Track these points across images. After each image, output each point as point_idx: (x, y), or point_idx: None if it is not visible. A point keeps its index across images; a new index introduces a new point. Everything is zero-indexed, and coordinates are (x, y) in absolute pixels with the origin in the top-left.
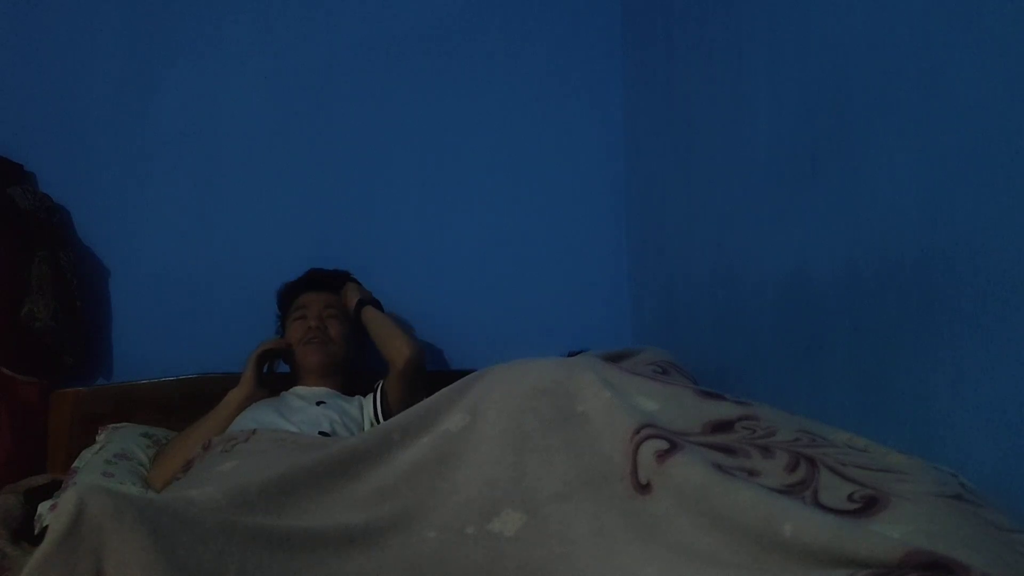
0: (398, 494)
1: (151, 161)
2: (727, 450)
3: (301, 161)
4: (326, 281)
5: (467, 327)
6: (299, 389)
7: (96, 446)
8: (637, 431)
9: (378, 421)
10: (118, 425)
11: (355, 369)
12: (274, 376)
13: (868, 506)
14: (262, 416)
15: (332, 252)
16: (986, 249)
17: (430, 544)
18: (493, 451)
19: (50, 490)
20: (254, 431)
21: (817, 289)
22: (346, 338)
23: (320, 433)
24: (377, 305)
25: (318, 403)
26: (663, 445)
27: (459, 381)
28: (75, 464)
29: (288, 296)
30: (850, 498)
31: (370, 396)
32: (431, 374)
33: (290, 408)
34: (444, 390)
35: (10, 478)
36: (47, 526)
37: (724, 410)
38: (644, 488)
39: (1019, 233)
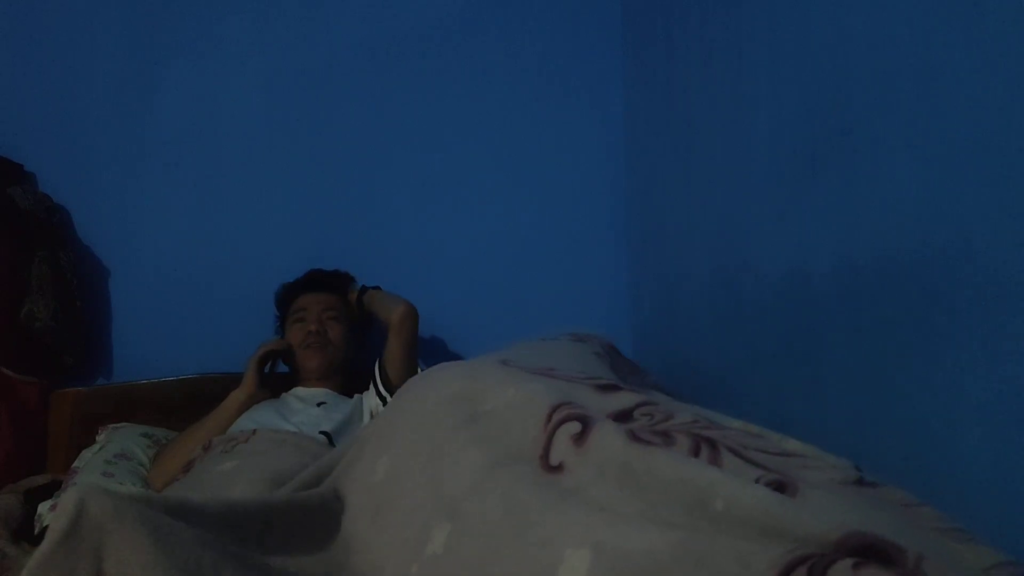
0: (347, 564)
1: (151, 161)
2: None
3: (301, 161)
4: (325, 282)
5: (467, 327)
6: (299, 390)
7: (96, 446)
8: (551, 414)
9: (377, 386)
10: (118, 425)
11: (355, 370)
12: (274, 376)
13: (778, 492)
14: (262, 417)
15: (332, 252)
16: (986, 249)
17: None
18: (412, 479)
19: (50, 490)
20: (254, 431)
21: (817, 288)
22: (346, 340)
23: (321, 433)
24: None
25: (318, 404)
26: (577, 428)
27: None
28: (75, 464)
29: (287, 297)
30: (757, 483)
31: (370, 385)
32: None
33: (290, 409)
34: (364, 432)
35: (10, 478)
36: (47, 526)
37: (622, 400)
38: (555, 469)
39: (1019, 233)
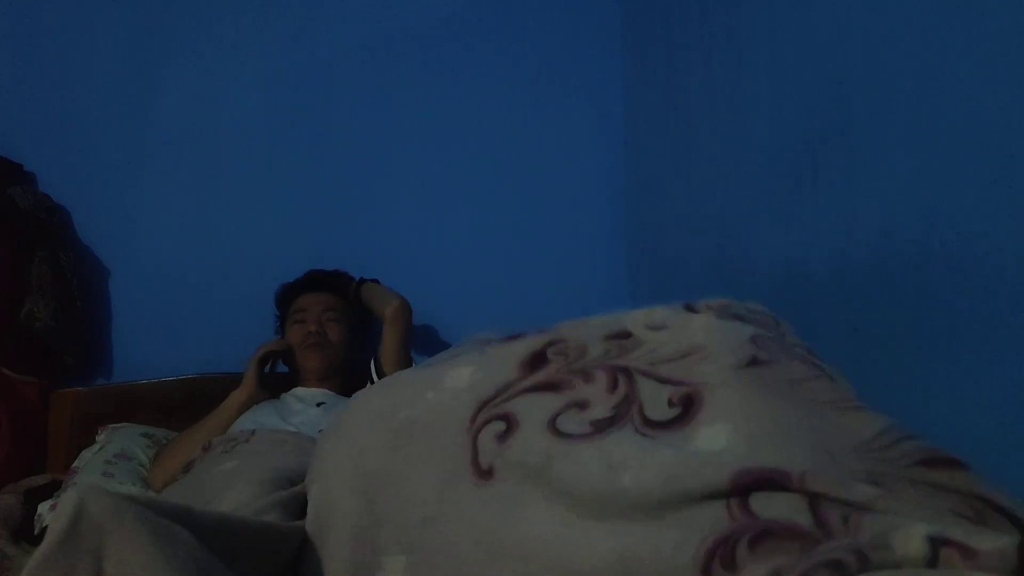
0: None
1: (151, 161)
2: (552, 387)
3: (301, 161)
4: (325, 282)
5: (467, 325)
6: (299, 391)
7: (96, 446)
8: (474, 417)
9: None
10: (118, 425)
11: (354, 370)
12: (275, 377)
13: (687, 408)
14: (262, 418)
15: (332, 252)
16: (984, 248)
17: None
18: (348, 505)
19: (50, 490)
20: (254, 432)
21: (815, 288)
22: (346, 341)
23: (320, 432)
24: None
25: (318, 404)
26: (500, 427)
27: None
28: (75, 464)
29: (287, 297)
30: (670, 403)
31: (367, 384)
32: None
33: (290, 410)
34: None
35: (10, 478)
36: (47, 526)
37: (530, 343)
38: (487, 474)
39: (1018, 232)
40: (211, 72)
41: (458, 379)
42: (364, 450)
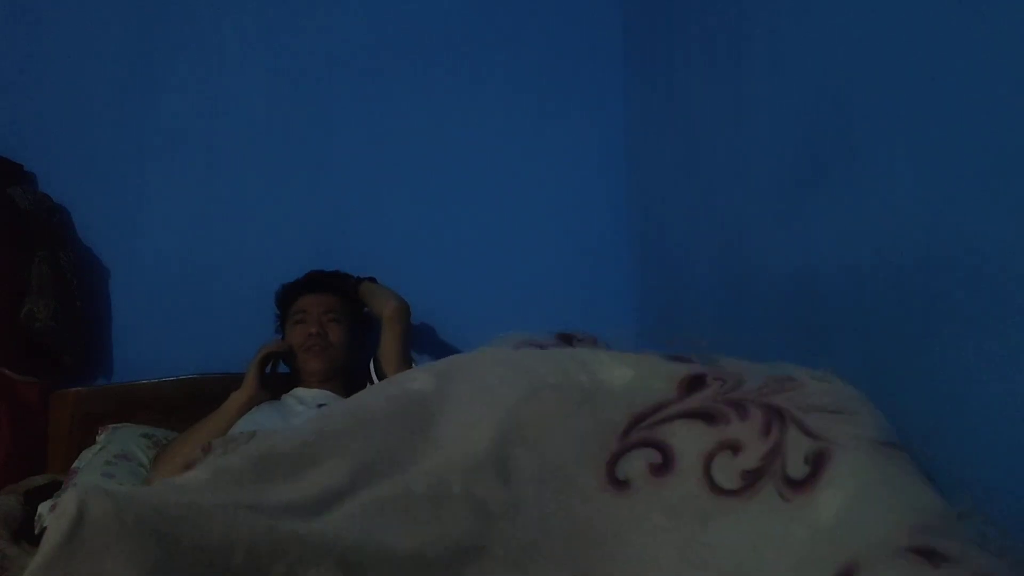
0: (377, 440)
1: (151, 161)
2: (707, 416)
3: (301, 161)
4: (326, 283)
5: (471, 328)
6: (299, 392)
7: (96, 446)
8: (627, 431)
9: (374, 384)
10: (118, 425)
11: (355, 371)
12: (275, 377)
13: (817, 466)
14: (263, 419)
15: (332, 252)
16: (989, 251)
17: (420, 500)
18: (469, 415)
19: (50, 490)
20: (254, 434)
21: (821, 291)
22: (347, 342)
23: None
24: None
25: (319, 406)
26: (656, 457)
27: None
28: (75, 464)
29: (288, 298)
30: (805, 460)
31: (367, 385)
32: None
33: (291, 411)
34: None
35: (10, 478)
36: (47, 526)
37: (694, 368)
38: (621, 485)
39: (1021, 235)
40: (211, 72)
41: (615, 377)
42: (508, 403)
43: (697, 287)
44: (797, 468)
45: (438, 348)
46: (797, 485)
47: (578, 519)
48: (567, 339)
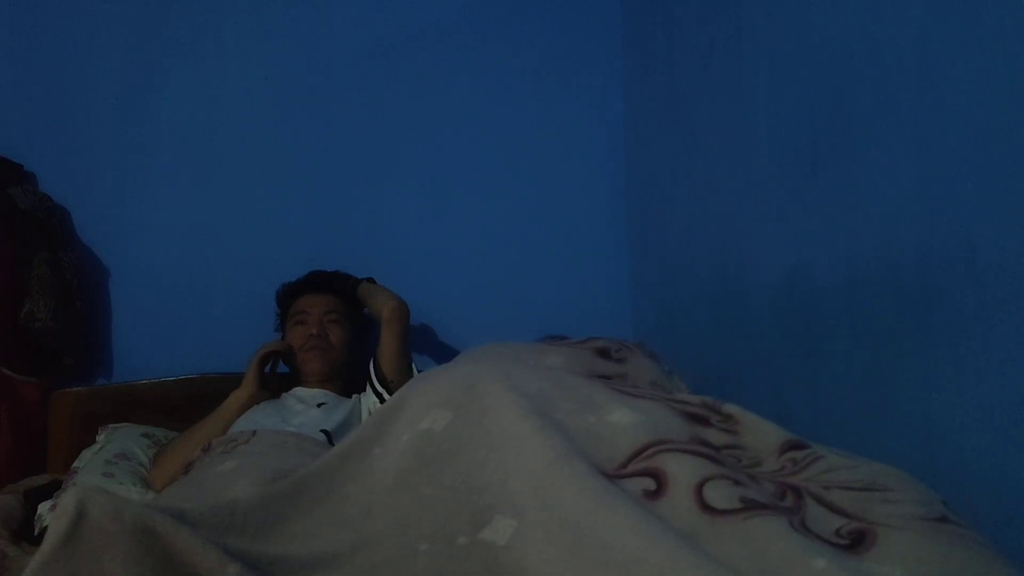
0: (384, 508)
1: (151, 161)
2: (713, 460)
3: (301, 161)
4: (327, 283)
5: (469, 326)
6: (299, 391)
7: (96, 446)
8: (626, 463)
9: (374, 385)
10: (118, 425)
11: (355, 371)
12: (275, 377)
13: (856, 543)
14: (263, 418)
15: (332, 252)
16: (986, 249)
17: (422, 558)
18: (479, 453)
19: (50, 490)
20: (254, 432)
21: (817, 289)
22: (347, 343)
23: (321, 431)
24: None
25: (318, 405)
26: (651, 486)
27: (433, 372)
28: (75, 464)
29: (288, 298)
30: (837, 533)
31: (367, 386)
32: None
33: (291, 411)
34: (410, 387)
35: (10, 478)
36: (47, 526)
37: (711, 436)
38: (616, 477)
39: (1019, 233)
40: (211, 72)
41: (624, 417)
42: (511, 422)
43: (693, 283)
44: (826, 533)
45: (436, 347)
46: (828, 543)
47: (571, 508)
48: (558, 341)
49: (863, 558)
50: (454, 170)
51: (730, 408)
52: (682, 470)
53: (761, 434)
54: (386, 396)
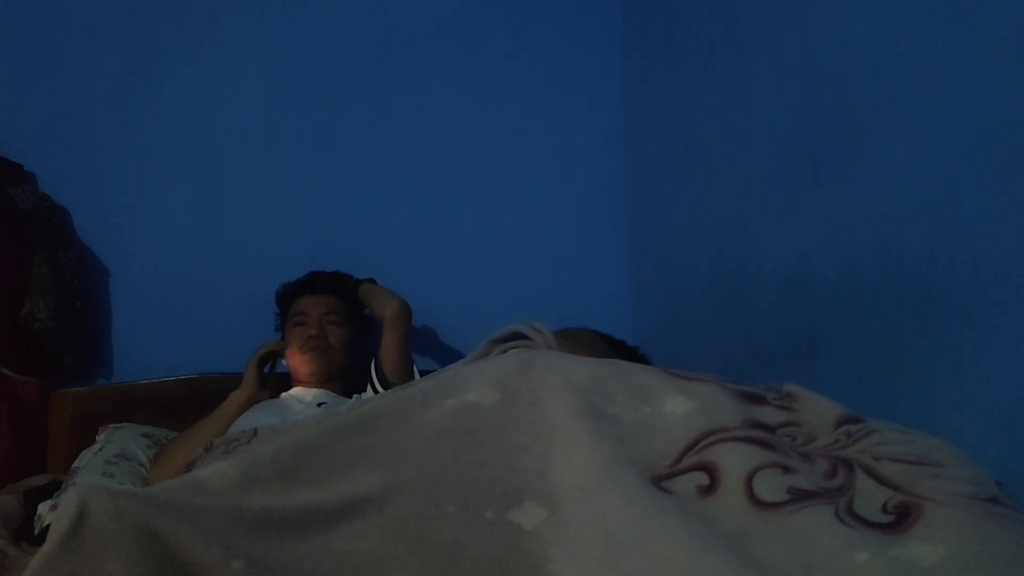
0: (420, 456)
1: (151, 161)
2: (765, 444)
3: (301, 161)
4: (326, 284)
5: (469, 325)
6: (299, 391)
7: (96, 446)
8: (680, 458)
9: (375, 385)
10: (118, 425)
11: (355, 372)
12: (275, 377)
13: (901, 518)
14: (262, 418)
15: (332, 252)
16: (986, 248)
17: (448, 521)
18: (521, 438)
19: (50, 490)
20: (256, 432)
21: (818, 288)
22: (346, 343)
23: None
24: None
25: (319, 404)
26: (704, 481)
27: (490, 357)
28: (75, 464)
29: (288, 298)
30: (884, 509)
31: (368, 386)
32: (432, 373)
33: (291, 410)
34: (473, 362)
35: (10, 478)
36: (47, 526)
37: (766, 415)
38: (663, 489)
39: (1019, 233)
40: (211, 71)
41: (678, 406)
42: (556, 412)
43: (693, 281)
44: (872, 513)
45: (435, 347)
46: (866, 523)
47: (615, 518)
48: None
49: (906, 537)
50: (454, 170)
51: (790, 387)
52: (732, 461)
53: (818, 409)
54: None
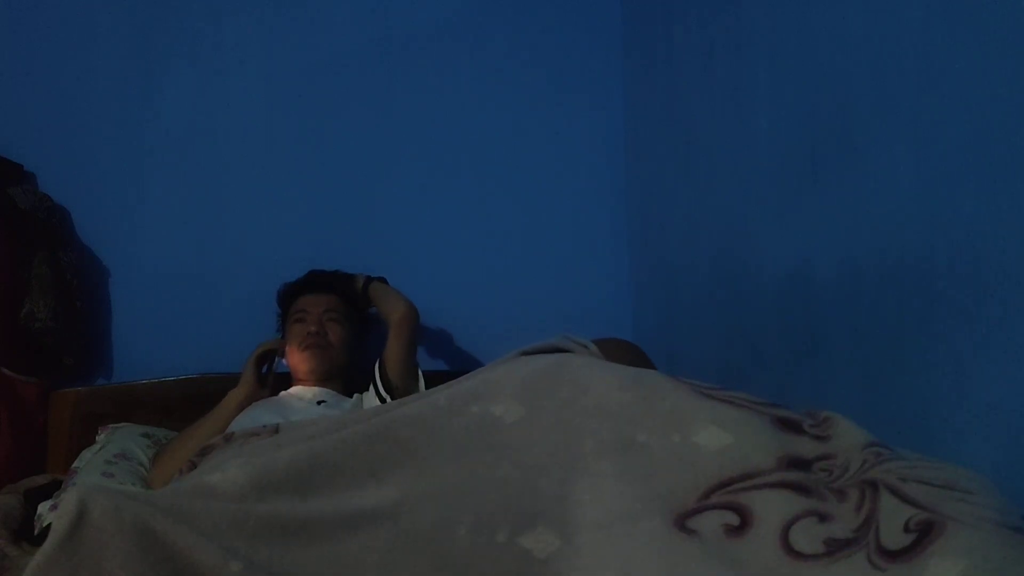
0: (437, 471)
1: (151, 161)
2: (802, 489)
3: (301, 161)
4: (326, 283)
5: (469, 325)
6: (298, 390)
7: (96, 446)
8: (708, 493)
9: (377, 387)
10: (118, 425)
11: (355, 371)
12: (274, 376)
13: (923, 535)
14: (262, 417)
15: (333, 252)
16: (986, 249)
17: (459, 541)
18: (542, 459)
19: (50, 490)
20: (277, 428)
21: (818, 288)
22: (346, 342)
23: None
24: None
25: (319, 403)
26: (734, 520)
27: (515, 364)
28: (75, 464)
29: (288, 297)
30: (906, 527)
31: (370, 386)
32: (433, 373)
33: (291, 409)
34: (495, 369)
35: (10, 478)
36: (47, 526)
37: (802, 447)
38: (688, 530)
39: (1019, 233)
40: (211, 71)
41: (711, 440)
42: (583, 441)
43: (694, 282)
44: (894, 537)
45: (435, 347)
46: (893, 555)
47: (635, 564)
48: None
49: (927, 555)
50: (454, 170)
51: (827, 413)
52: (768, 511)
53: (849, 437)
54: (389, 401)
